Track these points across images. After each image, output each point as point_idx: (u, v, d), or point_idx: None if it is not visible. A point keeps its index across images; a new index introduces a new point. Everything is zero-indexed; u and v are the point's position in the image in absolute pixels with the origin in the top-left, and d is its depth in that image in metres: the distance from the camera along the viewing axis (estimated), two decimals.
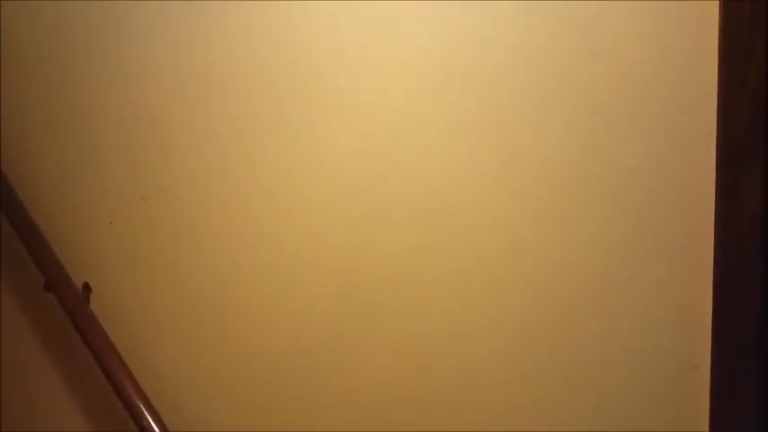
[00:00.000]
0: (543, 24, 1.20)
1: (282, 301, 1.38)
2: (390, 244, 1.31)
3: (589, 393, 1.19)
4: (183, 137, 1.43)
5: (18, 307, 1.59)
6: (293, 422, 1.37)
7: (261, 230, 1.39)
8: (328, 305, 1.35)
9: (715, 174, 1.12)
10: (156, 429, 1.33)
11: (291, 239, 1.37)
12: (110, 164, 1.49)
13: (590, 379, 1.19)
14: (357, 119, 1.32)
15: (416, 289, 1.30)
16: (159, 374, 1.46)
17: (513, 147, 1.23)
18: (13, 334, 1.59)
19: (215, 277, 1.43)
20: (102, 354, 1.38)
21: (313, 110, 1.34)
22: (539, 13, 1.20)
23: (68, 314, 1.44)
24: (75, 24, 1.52)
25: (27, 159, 1.57)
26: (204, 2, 1.40)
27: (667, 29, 1.14)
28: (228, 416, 1.42)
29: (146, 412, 1.34)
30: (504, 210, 1.24)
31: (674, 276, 1.15)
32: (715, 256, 1.11)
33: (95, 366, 1.41)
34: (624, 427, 1.17)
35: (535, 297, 1.22)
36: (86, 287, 1.52)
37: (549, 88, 1.20)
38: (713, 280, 1.12)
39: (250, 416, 1.40)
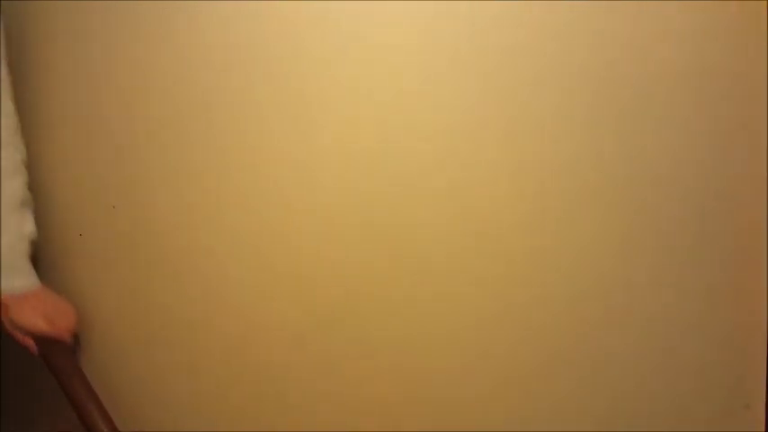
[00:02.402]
0: (566, 19, 1.04)
1: (263, 318, 1.26)
2: (384, 257, 1.17)
3: None
4: (158, 140, 1.30)
5: None
6: None
7: (242, 242, 1.26)
8: (314, 323, 1.22)
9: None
10: None
11: (273, 252, 1.24)
12: (78, 170, 1.37)
13: (632, 415, 1.05)
14: (349, 122, 1.17)
15: (414, 308, 1.16)
16: (128, 395, 1.37)
17: (527, 149, 1.08)
18: None
19: (192, 291, 1.30)
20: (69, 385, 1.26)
21: (299, 110, 1.20)
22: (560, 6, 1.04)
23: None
24: (34, 29, 1.40)
25: None
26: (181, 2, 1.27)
27: (706, 26, 0.99)
28: None
29: None
30: (519, 221, 1.09)
31: (721, 305, 1.00)
32: None
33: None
34: None
35: (558, 334, 1.08)
36: None
37: (572, 87, 1.04)
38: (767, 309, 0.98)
39: None
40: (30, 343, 1.28)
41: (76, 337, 1.35)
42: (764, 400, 0.98)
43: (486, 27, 1.07)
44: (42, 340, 1.28)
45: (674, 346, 1.03)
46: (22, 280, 1.24)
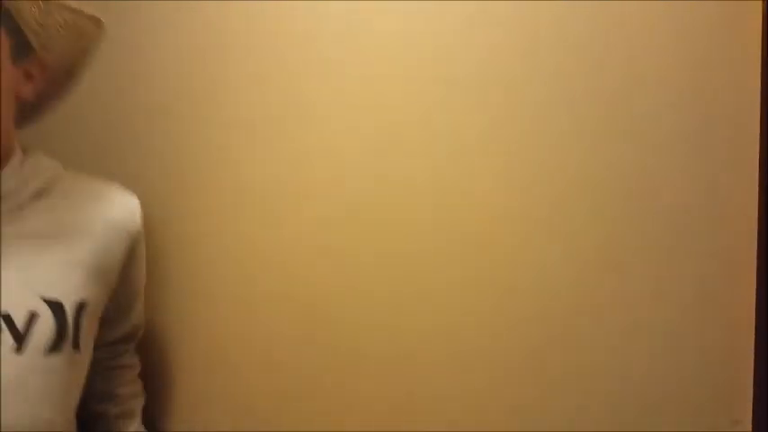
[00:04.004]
0: (559, 25, 1.09)
1: (257, 322, 1.25)
2: (381, 264, 1.18)
3: None
4: (154, 143, 1.30)
5: None
6: None
7: (236, 246, 1.26)
8: (308, 327, 1.21)
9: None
10: None
11: (268, 256, 1.24)
12: None
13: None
14: (345, 123, 1.19)
15: (409, 314, 1.16)
16: None
17: (525, 154, 1.10)
18: None
19: (185, 297, 1.30)
20: None
21: (299, 113, 1.22)
22: (555, 11, 1.09)
23: None
24: None
25: None
26: (186, 2, 1.29)
27: (702, 29, 1.03)
28: None
29: None
30: (515, 228, 1.11)
31: (710, 318, 1.02)
32: (758, 293, 0.99)
33: None
34: None
35: (550, 348, 1.08)
36: None
37: (568, 93, 1.08)
38: (755, 322, 0.99)
39: None
40: None
41: None
42: (752, 416, 0.98)
43: (485, 28, 1.12)
44: None
45: (662, 361, 1.04)
46: None
